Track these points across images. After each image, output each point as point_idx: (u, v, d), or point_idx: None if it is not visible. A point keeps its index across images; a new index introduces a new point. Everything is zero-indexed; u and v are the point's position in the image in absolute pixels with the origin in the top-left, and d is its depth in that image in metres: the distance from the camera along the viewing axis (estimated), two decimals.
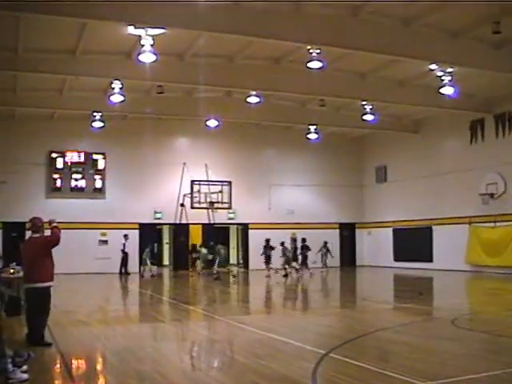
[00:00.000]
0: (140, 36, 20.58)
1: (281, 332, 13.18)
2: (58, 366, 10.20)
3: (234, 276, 31.58)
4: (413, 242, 37.47)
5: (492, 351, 11.07)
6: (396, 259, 39.28)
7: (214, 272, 30.46)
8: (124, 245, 34.38)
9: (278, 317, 17.30)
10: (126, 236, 34.66)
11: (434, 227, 36.30)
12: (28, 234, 12.91)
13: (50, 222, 11.99)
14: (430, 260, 36.11)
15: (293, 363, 9.92)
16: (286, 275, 31.30)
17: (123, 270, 34.56)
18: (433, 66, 24.67)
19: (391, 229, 40.08)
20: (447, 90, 25.54)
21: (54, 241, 11.75)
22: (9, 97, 29.26)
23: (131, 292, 26.62)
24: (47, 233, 12.12)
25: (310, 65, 22.89)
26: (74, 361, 10.61)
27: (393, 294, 25.65)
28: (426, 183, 36.79)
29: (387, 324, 14.44)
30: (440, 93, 25.89)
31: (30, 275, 11.74)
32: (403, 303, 20.24)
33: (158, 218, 37.90)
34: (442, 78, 25.13)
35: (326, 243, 35.29)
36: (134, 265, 35.66)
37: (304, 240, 33.84)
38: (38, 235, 11.93)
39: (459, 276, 30.66)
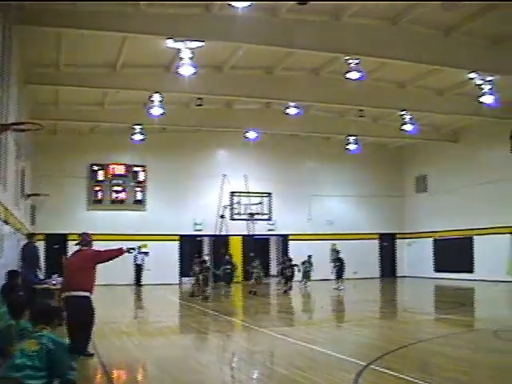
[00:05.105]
0: (179, 49, 20.80)
1: (321, 343, 13.16)
2: (100, 376, 10.30)
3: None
4: (453, 253, 37.04)
5: None
6: (436, 270, 38.88)
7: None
8: (135, 257, 34.06)
9: (317, 328, 17.21)
10: (138, 248, 34.51)
11: (474, 237, 35.88)
12: (70, 246, 13.08)
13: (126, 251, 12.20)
14: (471, 271, 35.65)
15: (333, 375, 9.88)
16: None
17: (138, 282, 35.08)
18: (472, 75, 24.42)
19: (431, 239, 39.73)
20: (487, 99, 25.29)
21: (104, 257, 11.85)
22: (51, 111, 29.59)
23: (171, 303, 26.73)
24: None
25: (348, 75, 22.89)
26: (115, 371, 10.71)
27: (433, 304, 25.44)
28: (466, 193, 36.34)
29: (428, 335, 14.32)
30: (480, 101, 25.66)
31: (70, 284, 11.70)
32: (444, 314, 20.06)
33: (199, 230, 38.05)
34: (482, 86, 24.90)
35: (310, 257, 32.89)
36: (174, 276, 36.20)
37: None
38: (86, 248, 12.04)
39: (500, 287, 30.18)
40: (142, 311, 24.16)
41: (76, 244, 12.21)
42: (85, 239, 12.12)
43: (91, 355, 11.52)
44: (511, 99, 28.57)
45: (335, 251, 32.89)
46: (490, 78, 24.49)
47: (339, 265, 31.27)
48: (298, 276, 30.83)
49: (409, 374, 9.43)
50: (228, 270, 29.74)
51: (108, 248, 12.16)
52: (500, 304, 24.33)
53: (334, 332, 16.40)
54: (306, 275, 32.07)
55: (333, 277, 31.59)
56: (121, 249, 12.11)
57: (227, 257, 30.74)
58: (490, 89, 24.84)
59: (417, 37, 21.77)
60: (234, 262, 31.42)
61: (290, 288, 28.81)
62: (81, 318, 11.56)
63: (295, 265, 30.43)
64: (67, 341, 10.32)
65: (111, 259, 11.93)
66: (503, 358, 11.23)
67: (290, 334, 14.96)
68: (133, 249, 12.38)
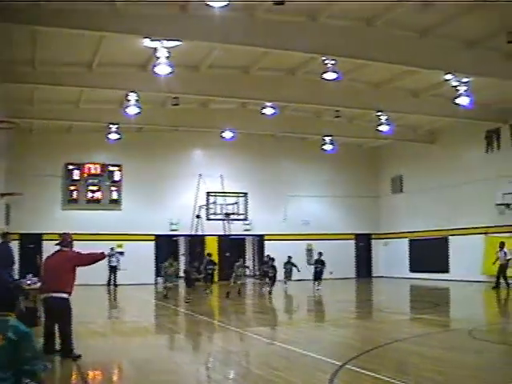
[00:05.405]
0: (155, 48, 20.68)
1: (297, 343, 13.14)
2: (75, 376, 10.23)
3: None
4: (429, 253, 37.24)
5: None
6: (412, 270, 39.07)
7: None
8: (109, 258, 33.00)
9: (294, 328, 17.23)
10: (111, 249, 32.95)
11: (450, 238, 36.07)
12: (45, 245, 12.92)
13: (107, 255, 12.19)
14: (447, 271, 35.83)
15: (309, 374, 9.88)
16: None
17: (112, 282, 34.32)
18: (448, 76, 24.50)
19: (407, 239, 39.89)
20: (462, 100, 25.41)
21: (86, 260, 11.72)
22: (26, 110, 29.32)
23: (147, 303, 26.61)
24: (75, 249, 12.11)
25: (325, 76, 22.86)
26: (90, 372, 10.63)
27: (409, 304, 25.55)
28: (442, 193, 36.56)
29: (404, 335, 14.37)
30: (455, 103, 25.79)
31: (49, 285, 11.55)
32: (420, 314, 20.14)
33: (174, 230, 37.93)
34: (458, 88, 25.00)
35: (290, 258, 32.25)
36: (149, 277, 36.10)
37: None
38: (67, 249, 11.87)
39: (475, 287, 30.39)
40: (118, 311, 24.03)
41: (56, 244, 12.04)
42: (65, 239, 11.94)
43: (78, 356, 11.31)
44: (486, 101, 28.82)
45: (318, 253, 32.62)
46: (465, 80, 24.62)
47: (320, 267, 31.20)
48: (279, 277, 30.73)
49: (385, 374, 9.44)
50: (210, 271, 29.50)
51: (89, 251, 12.05)
52: (475, 304, 24.54)
53: (310, 332, 16.39)
54: (287, 276, 32.08)
55: (310, 277, 31.48)
56: (103, 253, 12.05)
57: (207, 257, 30.48)
58: (466, 90, 24.98)
59: (393, 38, 21.77)
60: (215, 262, 31.18)
61: (273, 284, 28.68)
62: (58, 319, 11.46)
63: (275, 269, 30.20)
64: (40, 340, 10.25)
65: (93, 263, 11.83)
66: (478, 358, 11.30)
67: (266, 334, 14.98)
68: (117, 252, 12.33)
